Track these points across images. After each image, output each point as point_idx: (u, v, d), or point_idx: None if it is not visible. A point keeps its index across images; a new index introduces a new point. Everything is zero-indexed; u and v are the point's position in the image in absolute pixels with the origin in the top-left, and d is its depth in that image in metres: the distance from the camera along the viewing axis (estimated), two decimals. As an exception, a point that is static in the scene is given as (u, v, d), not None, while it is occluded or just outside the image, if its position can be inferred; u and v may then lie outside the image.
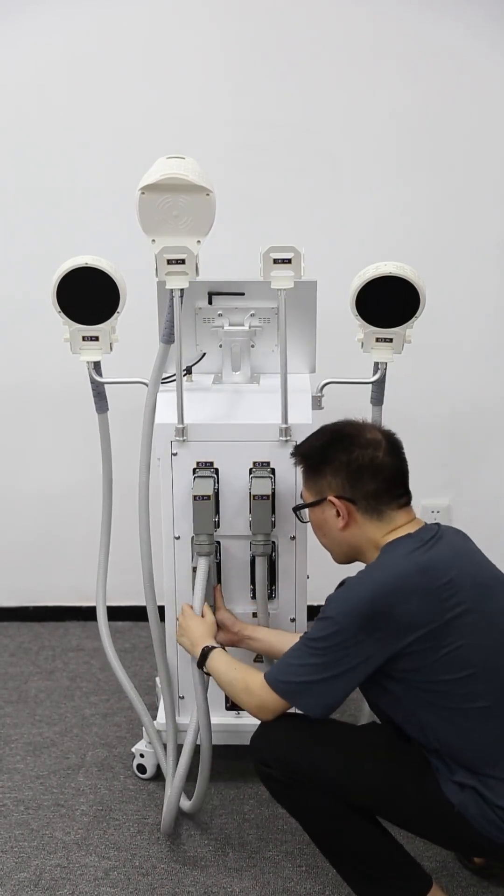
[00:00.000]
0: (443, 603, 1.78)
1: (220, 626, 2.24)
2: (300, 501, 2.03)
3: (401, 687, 1.83)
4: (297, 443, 2.08)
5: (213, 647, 2.10)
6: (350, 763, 1.90)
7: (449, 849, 1.98)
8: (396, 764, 1.89)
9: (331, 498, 1.91)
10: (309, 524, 2.04)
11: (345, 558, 1.98)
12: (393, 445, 1.94)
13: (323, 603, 1.87)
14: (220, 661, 2.06)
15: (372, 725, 2.05)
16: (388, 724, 1.98)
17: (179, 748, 2.30)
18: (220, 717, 2.38)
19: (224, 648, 2.13)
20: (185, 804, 2.31)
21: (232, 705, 2.38)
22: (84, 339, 2.22)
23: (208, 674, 2.10)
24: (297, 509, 2.06)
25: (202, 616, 2.21)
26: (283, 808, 1.99)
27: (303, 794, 1.91)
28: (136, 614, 3.19)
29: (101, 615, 2.47)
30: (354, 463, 1.89)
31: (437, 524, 1.94)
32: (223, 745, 2.38)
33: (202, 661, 2.10)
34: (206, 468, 2.24)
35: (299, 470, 2.03)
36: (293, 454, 2.04)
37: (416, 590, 1.77)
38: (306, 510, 2.00)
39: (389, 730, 1.96)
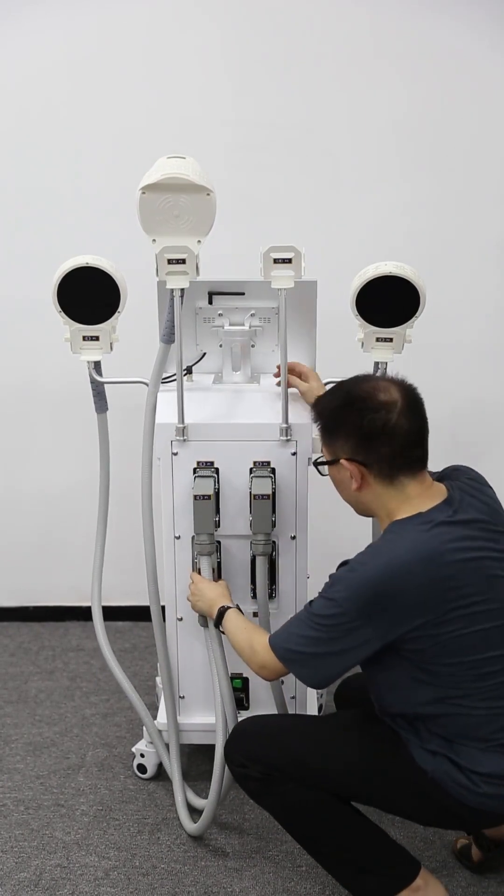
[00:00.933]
0: (445, 594, 1.77)
1: None
2: (320, 455, 1.98)
3: (397, 661, 1.83)
4: (316, 398, 2.02)
5: (230, 607, 2.13)
6: (323, 748, 1.93)
7: (429, 824, 1.98)
8: (368, 741, 1.92)
9: (343, 461, 1.87)
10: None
11: (363, 513, 1.96)
12: (411, 403, 1.87)
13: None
14: (234, 620, 2.09)
15: (337, 712, 2.08)
16: (353, 705, 2.04)
17: (180, 748, 2.30)
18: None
19: (239, 608, 2.15)
20: (190, 827, 2.31)
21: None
22: (84, 338, 2.23)
23: (223, 632, 2.13)
24: (315, 463, 1.99)
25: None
26: (265, 809, 2.00)
27: (282, 789, 1.93)
28: (136, 614, 3.20)
29: (97, 614, 2.47)
30: (366, 427, 1.83)
31: (451, 488, 1.89)
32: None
33: (219, 619, 2.13)
34: (206, 468, 2.24)
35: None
36: (312, 408, 1.99)
37: (418, 581, 1.76)
38: (325, 466, 1.96)
39: (354, 712, 2.00)
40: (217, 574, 2.30)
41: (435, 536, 1.79)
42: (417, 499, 1.86)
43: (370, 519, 2.14)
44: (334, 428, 1.89)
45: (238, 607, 2.16)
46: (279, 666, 1.90)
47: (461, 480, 1.94)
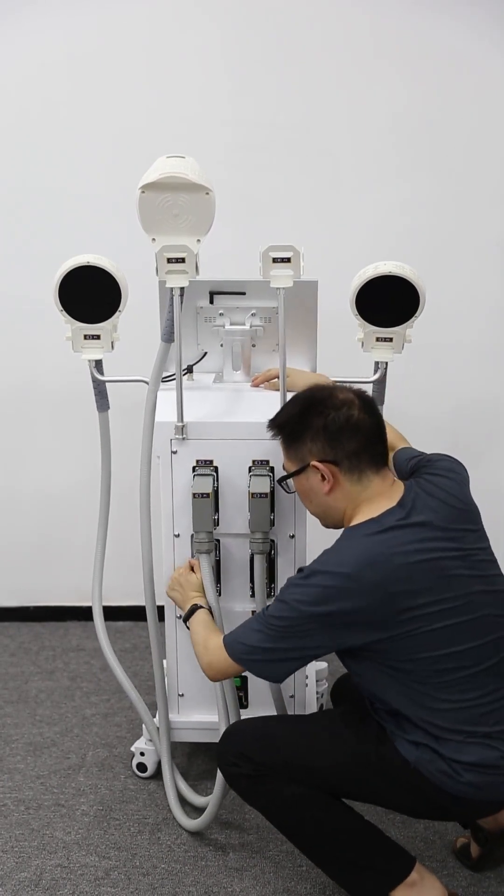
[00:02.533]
0: (395, 598, 1.79)
1: None
2: (283, 473, 2.02)
3: (363, 663, 1.87)
4: (272, 417, 2.04)
5: (201, 608, 2.16)
6: (312, 745, 1.95)
7: (417, 815, 2.01)
8: (353, 737, 1.95)
9: (314, 463, 1.91)
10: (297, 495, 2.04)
11: (332, 523, 1.99)
12: (366, 403, 1.94)
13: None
14: (200, 620, 2.13)
15: (327, 710, 2.11)
16: (348, 700, 2.08)
17: (180, 746, 2.30)
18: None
19: (211, 611, 2.19)
20: (189, 823, 2.31)
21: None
22: (85, 337, 2.23)
23: (188, 627, 2.16)
24: (280, 481, 2.05)
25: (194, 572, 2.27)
26: (257, 809, 2.01)
27: (273, 787, 1.94)
28: (136, 614, 3.19)
29: (98, 614, 2.47)
30: (332, 425, 1.89)
31: (408, 489, 1.92)
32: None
33: (188, 616, 2.17)
34: (205, 466, 2.24)
35: (277, 442, 2.02)
36: (269, 427, 2.03)
37: (365, 588, 1.78)
38: (291, 481, 2.00)
39: (344, 709, 2.03)
40: (217, 573, 2.30)
41: (382, 542, 1.83)
42: (379, 497, 1.90)
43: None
44: (300, 433, 1.93)
45: (211, 611, 2.19)
46: (228, 664, 1.94)
47: (424, 478, 1.96)
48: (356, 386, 2.01)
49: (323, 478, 1.91)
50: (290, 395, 2.22)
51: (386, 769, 1.90)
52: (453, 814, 2.00)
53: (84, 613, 3.30)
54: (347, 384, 2.02)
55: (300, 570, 1.90)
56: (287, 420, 1.97)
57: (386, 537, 1.83)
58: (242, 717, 2.20)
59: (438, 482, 1.95)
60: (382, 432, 1.94)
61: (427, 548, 1.84)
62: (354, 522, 1.89)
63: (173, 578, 2.29)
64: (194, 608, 2.17)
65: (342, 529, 1.94)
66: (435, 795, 1.87)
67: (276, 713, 2.33)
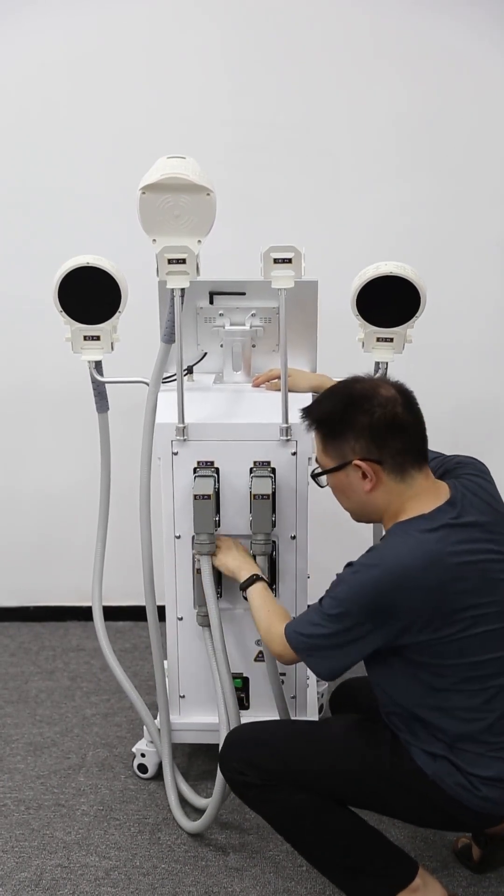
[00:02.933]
0: (447, 597, 1.77)
1: None
2: (316, 466, 1.96)
3: (398, 661, 1.84)
4: (307, 407, 1.97)
5: (261, 578, 2.14)
6: (321, 752, 1.93)
7: (427, 825, 2.00)
8: (366, 745, 1.92)
9: (357, 462, 1.85)
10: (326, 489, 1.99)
11: (366, 519, 1.95)
12: (408, 399, 1.87)
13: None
14: (261, 594, 2.11)
15: (333, 717, 2.09)
16: (348, 709, 2.06)
17: (181, 747, 2.30)
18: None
19: (267, 581, 2.17)
20: (189, 825, 2.31)
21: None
22: (85, 338, 2.23)
23: (246, 598, 2.15)
24: (316, 475, 1.96)
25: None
26: (262, 817, 2.00)
27: (281, 795, 1.93)
28: (136, 614, 3.19)
29: (98, 614, 2.47)
30: (377, 423, 1.82)
31: (454, 488, 1.88)
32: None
33: (247, 584, 2.14)
34: (206, 467, 2.24)
35: (312, 435, 1.95)
36: (305, 418, 1.94)
37: (420, 584, 1.76)
38: (325, 476, 1.94)
39: (351, 716, 2.00)
40: (217, 575, 2.30)
41: (438, 539, 1.79)
42: (424, 494, 1.86)
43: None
44: (342, 430, 1.86)
45: (266, 580, 2.17)
46: (291, 656, 1.92)
47: (465, 478, 1.93)
48: (393, 378, 1.95)
49: (364, 476, 1.85)
50: (291, 396, 2.24)
51: (399, 779, 1.87)
52: (466, 826, 1.98)
53: (84, 613, 3.30)
54: (386, 378, 1.96)
55: (349, 564, 1.86)
56: (328, 416, 1.89)
57: (440, 535, 1.79)
58: (243, 719, 2.19)
59: (480, 482, 1.92)
60: (424, 429, 1.89)
61: (476, 549, 1.81)
62: (402, 518, 1.85)
63: (221, 547, 2.24)
64: (254, 578, 2.14)
65: (372, 524, 1.91)
66: (449, 807, 1.85)
67: (276, 714, 2.33)
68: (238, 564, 2.20)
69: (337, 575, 1.85)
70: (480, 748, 1.83)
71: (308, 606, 1.92)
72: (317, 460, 1.96)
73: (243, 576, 2.16)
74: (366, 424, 1.83)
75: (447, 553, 1.77)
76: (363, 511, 1.92)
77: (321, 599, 1.86)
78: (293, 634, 1.90)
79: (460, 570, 1.78)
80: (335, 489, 1.93)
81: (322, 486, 1.97)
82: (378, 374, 2.22)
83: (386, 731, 1.92)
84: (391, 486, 1.85)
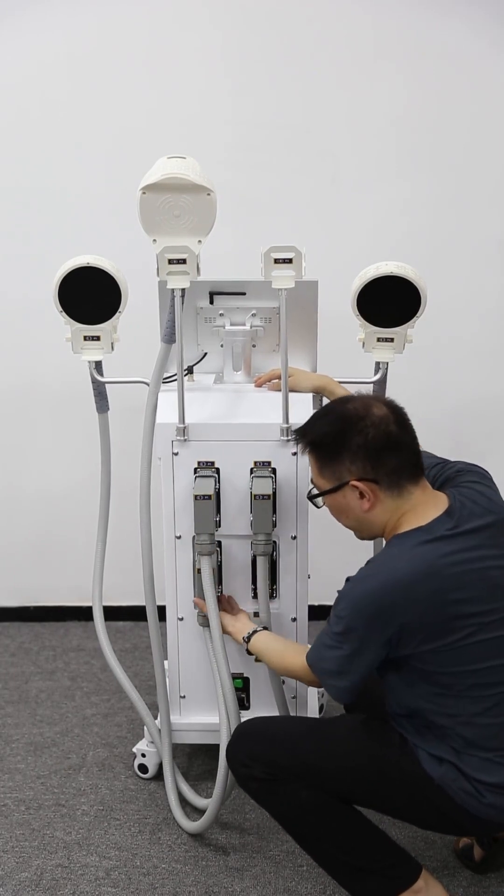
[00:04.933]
0: (446, 607, 1.77)
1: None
2: (312, 488, 1.97)
3: (405, 667, 1.84)
4: (300, 429, 1.97)
5: (255, 632, 2.18)
6: (329, 750, 1.93)
7: (429, 828, 2.00)
8: (374, 745, 1.92)
9: (353, 482, 1.85)
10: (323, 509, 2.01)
11: (368, 535, 1.96)
12: (400, 416, 1.88)
13: (324, 602, 1.87)
14: (261, 641, 2.15)
15: (344, 715, 2.09)
16: (358, 708, 2.06)
17: (181, 747, 2.30)
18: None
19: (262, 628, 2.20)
20: (190, 825, 2.31)
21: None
22: (85, 338, 2.23)
23: (250, 652, 2.19)
24: (312, 497, 1.98)
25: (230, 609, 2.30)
26: (267, 810, 2.00)
27: (285, 789, 1.93)
28: (136, 614, 3.19)
29: (98, 614, 2.47)
30: (372, 443, 1.83)
31: (453, 497, 1.89)
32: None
33: (248, 639, 2.18)
34: (207, 468, 2.24)
35: (306, 457, 1.96)
36: (298, 441, 1.95)
37: (418, 596, 1.77)
38: (324, 496, 1.94)
39: (361, 716, 2.00)
40: (218, 575, 2.30)
41: (434, 550, 1.80)
42: (422, 506, 1.86)
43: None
44: (337, 452, 1.86)
45: (264, 629, 2.20)
46: (314, 680, 1.96)
47: (463, 486, 1.93)
48: (360, 388, 1.98)
49: (362, 496, 1.86)
50: (293, 396, 2.23)
51: (406, 780, 1.88)
52: (468, 831, 1.98)
53: (84, 613, 3.30)
54: (355, 388, 1.99)
55: (348, 579, 1.88)
56: (323, 437, 1.89)
57: (437, 545, 1.80)
58: (243, 719, 2.19)
59: (479, 489, 1.92)
60: (417, 444, 1.90)
61: (476, 556, 1.81)
62: (400, 531, 1.86)
63: (223, 624, 2.26)
64: (247, 637, 2.17)
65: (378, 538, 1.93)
66: (453, 812, 1.85)
67: (277, 714, 2.33)
68: (239, 627, 2.23)
69: (338, 591, 1.87)
70: (487, 754, 1.83)
71: (317, 636, 1.94)
72: (312, 482, 1.97)
73: (241, 635, 2.20)
74: (361, 444, 1.84)
75: (445, 563, 1.78)
76: (362, 528, 1.94)
77: (328, 619, 1.88)
78: (315, 661, 1.92)
79: (459, 578, 1.78)
80: (333, 510, 1.95)
81: (319, 507, 1.99)
82: (383, 374, 2.24)
83: (394, 733, 1.92)
84: (388, 502, 1.87)
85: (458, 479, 1.96)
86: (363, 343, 2.23)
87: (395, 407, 1.90)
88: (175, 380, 2.20)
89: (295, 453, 2.22)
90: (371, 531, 1.93)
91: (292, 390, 2.24)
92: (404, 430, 1.87)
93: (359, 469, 1.85)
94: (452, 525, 1.82)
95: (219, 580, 2.31)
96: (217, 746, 2.23)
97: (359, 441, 1.84)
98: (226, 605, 2.33)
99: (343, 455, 1.86)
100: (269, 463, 2.23)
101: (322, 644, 1.89)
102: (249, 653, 2.18)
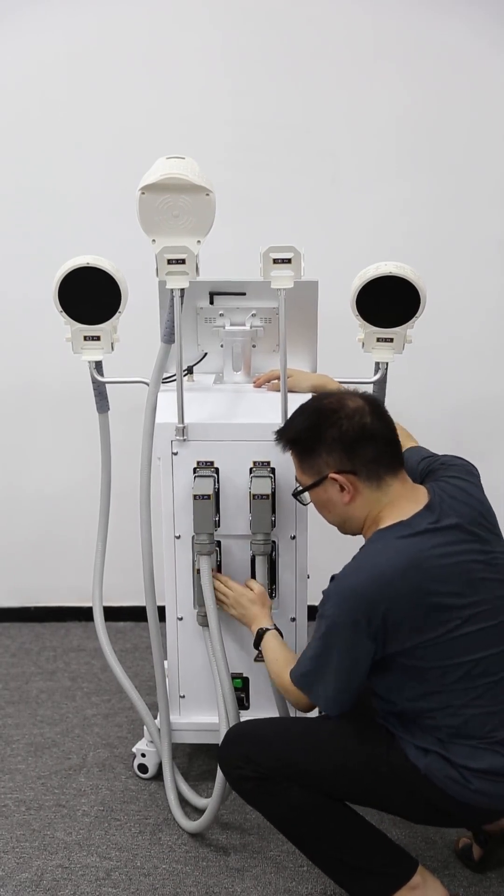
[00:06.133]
0: (429, 600, 1.79)
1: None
2: (297, 485, 2.00)
3: (389, 661, 1.85)
4: (279, 429, 2.01)
5: (268, 630, 2.14)
6: (317, 749, 1.94)
7: (423, 822, 2.00)
8: (361, 741, 1.93)
9: (332, 475, 1.88)
10: (311, 505, 2.02)
11: (350, 531, 1.97)
12: (376, 407, 1.91)
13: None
14: (271, 645, 2.11)
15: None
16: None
17: (181, 747, 2.30)
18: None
19: (278, 629, 2.17)
20: (189, 825, 2.31)
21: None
22: (85, 338, 2.23)
23: (259, 651, 2.16)
24: (296, 494, 2.01)
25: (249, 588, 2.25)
26: (260, 812, 2.01)
27: (278, 790, 1.93)
28: (137, 614, 3.20)
29: (98, 614, 2.47)
30: (347, 434, 1.86)
31: (433, 492, 1.90)
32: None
33: (258, 640, 2.15)
34: (206, 467, 2.24)
35: (288, 455, 1.99)
36: (278, 440, 1.99)
37: (401, 591, 1.78)
38: (307, 494, 1.97)
39: (351, 713, 2.00)
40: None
41: (417, 544, 1.82)
42: (401, 499, 1.88)
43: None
44: (314, 445, 1.90)
45: (276, 627, 2.17)
46: (306, 703, 1.94)
47: (444, 481, 1.95)
48: (359, 388, 1.99)
49: (342, 488, 1.88)
50: (292, 396, 2.23)
51: (396, 774, 1.89)
52: (459, 821, 1.99)
53: (84, 614, 3.30)
54: (352, 388, 2.00)
55: (332, 577, 1.88)
56: (299, 434, 1.93)
57: (418, 540, 1.82)
58: (243, 719, 2.19)
59: (459, 484, 1.94)
60: (395, 435, 1.92)
61: (457, 550, 1.83)
62: (381, 526, 1.87)
63: (226, 595, 2.25)
64: (262, 632, 2.14)
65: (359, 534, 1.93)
66: (443, 803, 1.87)
67: (276, 714, 2.33)
68: (248, 619, 2.20)
69: (322, 592, 1.88)
70: (473, 742, 1.84)
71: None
72: (296, 479, 2.00)
73: (252, 630, 2.18)
74: (336, 437, 1.87)
75: (426, 557, 1.80)
76: (346, 523, 1.95)
77: (315, 627, 1.89)
78: (294, 674, 1.93)
79: (440, 572, 1.80)
80: (317, 505, 1.97)
81: (305, 504, 2.01)
82: (383, 374, 2.25)
83: (382, 728, 1.94)
84: (368, 494, 1.88)
85: (441, 472, 1.98)
86: (363, 343, 2.23)
87: (371, 399, 1.92)
88: (175, 380, 2.21)
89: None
90: (353, 526, 1.95)
91: (291, 390, 2.25)
92: (380, 421, 1.89)
93: (336, 461, 1.88)
94: (434, 520, 1.85)
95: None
96: (216, 746, 2.23)
97: (333, 433, 1.87)
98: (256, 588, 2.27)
99: (320, 448, 1.89)
100: (268, 463, 2.23)
101: (305, 657, 1.90)
102: (256, 646, 2.17)
